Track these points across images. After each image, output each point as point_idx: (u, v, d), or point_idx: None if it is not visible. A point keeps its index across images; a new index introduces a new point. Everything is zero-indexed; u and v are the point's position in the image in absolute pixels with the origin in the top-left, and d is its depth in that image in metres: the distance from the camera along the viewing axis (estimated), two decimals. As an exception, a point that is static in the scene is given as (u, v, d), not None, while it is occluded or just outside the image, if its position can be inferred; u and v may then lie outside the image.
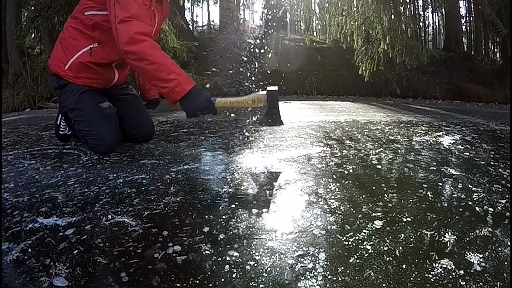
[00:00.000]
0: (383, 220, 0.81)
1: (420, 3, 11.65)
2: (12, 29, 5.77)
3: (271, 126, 1.23)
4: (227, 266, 0.64)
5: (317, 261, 0.65)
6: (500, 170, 1.21)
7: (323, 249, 0.69)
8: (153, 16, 1.44)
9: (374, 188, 1.02)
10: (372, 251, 0.68)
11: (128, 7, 1.22)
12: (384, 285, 0.59)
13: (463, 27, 10.90)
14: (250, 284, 0.59)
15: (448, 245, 0.70)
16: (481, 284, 0.59)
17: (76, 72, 1.41)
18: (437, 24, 13.16)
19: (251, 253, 0.68)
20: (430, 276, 0.61)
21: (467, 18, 11.18)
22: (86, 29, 1.38)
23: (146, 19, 1.28)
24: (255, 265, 0.64)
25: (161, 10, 1.50)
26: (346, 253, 0.68)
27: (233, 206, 0.89)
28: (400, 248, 0.69)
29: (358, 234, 0.75)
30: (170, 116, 2.86)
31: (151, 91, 1.74)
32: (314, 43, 8.08)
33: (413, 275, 0.61)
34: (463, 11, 11.03)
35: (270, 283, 0.59)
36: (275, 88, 1.22)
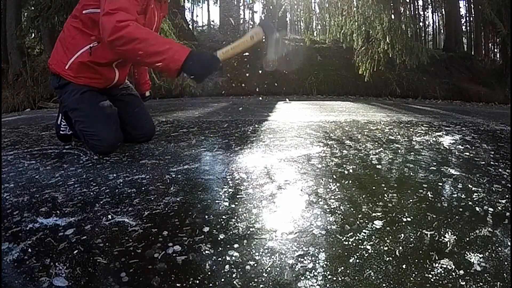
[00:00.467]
0: (383, 220, 0.81)
1: (420, 3, 11.66)
2: (12, 29, 5.77)
3: (277, 55, 1.20)
4: (227, 266, 0.64)
5: (317, 261, 0.65)
6: (500, 170, 1.21)
7: (323, 249, 0.69)
8: (152, 15, 1.44)
9: (374, 188, 1.02)
10: (372, 251, 0.68)
11: (116, 0, 1.19)
12: (384, 285, 0.59)
13: (463, 27, 10.90)
14: (250, 284, 0.59)
15: (448, 245, 0.70)
16: (481, 284, 0.59)
17: (76, 72, 1.41)
18: (437, 24, 13.18)
19: (251, 253, 0.68)
20: (430, 276, 0.61)
21: (467, 18, 11.19)
22: (85, 28, 1.38)
23: (134, 12, 1.24)
24: (255, 265, 0.64)
25: (160, 8, 1.50)
26: (346, 253, 0.68)
27: (233, 206, 0.89)
28: (400, 248, 0.69)
29: (358, 234, 0.75)
30: (170, 116, 2.86)
31: (145, 85, 1.78)
32: (315, 43, 8.08)
33: (413, 275, 0.61)
34: (463, 11, 11.04)
35: (270, 283, 0.59)
36: (265, 18, 1.23)
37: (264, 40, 1.20)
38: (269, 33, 1.18)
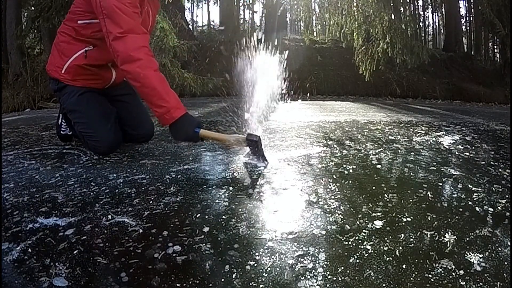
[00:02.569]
0: (383, 220, 0.81)
1: (420, 3, 11.67)
2: (12, 29, 5.77)
3: (254, 162, 1.29)
4: (227, 266, 0.64)
5: (317, 261, 0.65)
6: (500, 170, 1.21)
7: (323, 249, 0.69)
8: (147, 15, 1.44)
9: (374, 188, 1.02)
10: (372, 251, 0.68)
11: (120, 22, 1.21)
12: (384, 285, 0.59)
13: (463, 27, 10.90)
14: (250, 284, 0.59)
15: (448, 245, 0.70)
16: (481, 284, 0.59)
17: (73, 75, 1.42)
18: (437, 24, 13.17)
19: (251, 253, 0.68)
20: (430, 276, 0.61)
21: (467, 18, 11.19)
22: (79, 36, 1.39)
23: (140, 28, 1.28)
24: (255, 265, 0.64)
25: (153, 5, 1.50)
26: (346, 253, 0.68)
27: (233, 206, 0.89)
28: (400, 248, 0.69)
29: (358, 234, 0.75)
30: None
31: None
32: (315, 43, 8.08)
33: (413, 275, 0.61)
34: (463, 11, 11.04)
35: (270, 283, 0.59)
36: (256, 137, 1.24)
37: (244, 147, 1.32)
38: (250, 146, 1.28)
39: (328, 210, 0.87)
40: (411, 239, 0.73)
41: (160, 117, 1.26)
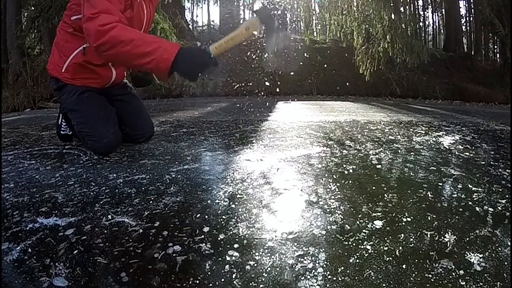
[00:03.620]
0: (383, 220, 0.81)
1: (420, 3, 11.66)
2: (12, 29, 5.78)
3: (279, 44, 1.11)
4: (227, 266, 0.64)
5: (317, 261, 0.65)
6: (500, 170, 1.21)
7: (323, 249, 0.69)
8: (141, 9, 1.41)
9: (374, 188, 1.02)
10: (372, 251, 0.68)
11: (95, 3, 1.13)
12: (384, 285, 0.59)
13: (463, 27, 10.90)
14: (250, 284, 0.59)
15: (448, 245, 0.70)
16: (481, 284, 0.59)
17: (73, 74, 1.42)
18: (437, 24, 13.17)
19: (251, 253, 0.68)
20: (430, 276, 0.61)
21: (467, 18, 11.19)
22: (76, 32, 1.38)
23: (116, 12, 1.17)
24: (255, 265, 0.64)
25: (150, 0, 1.48)
26: (346, 253, 0.68)
27: (233, 206, 0.89)
28: (400, 248, 0.69)
29: (358, 234, 0.75)
30: (170, 116, 2.86)
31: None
32: (315, 43, 8.08)
33: (413, 275, 0.61)
34: (463, 11, 11.04)
35: (270, 283, 0.59)
36: (262, 6, 1.11)
37: (261, 31, 1.12)
38: (267, 23, 1.09)
39: (328, 210, 0.87)
40: (411, 239, 0.73)
41: (159, 63, 1.09)
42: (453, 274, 0.61)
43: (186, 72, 1.12)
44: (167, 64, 1.09)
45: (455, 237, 0.74)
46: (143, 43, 1.10)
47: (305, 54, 7.35)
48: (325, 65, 7.39)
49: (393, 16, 5.99)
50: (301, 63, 6.99)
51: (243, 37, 1.15)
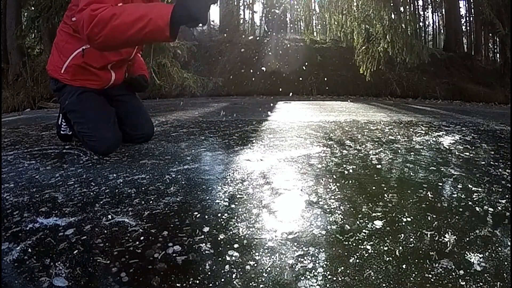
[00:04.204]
0: (383, 220, 0.81)
1: (420, 3, 11.66)
2: (12, 29, 5.78)
3: None
4: (227, 266, 0.64)
5: (317, 261, 0.65)
6: (500, 170, 1.21)
7: (323, 249, 0.69)
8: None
9: (374, 188, 1.02)
10: (372, 251, 0.68)
11: None
12: (384, 285, 0.59)
13: (463, 27, 10.90)
14: (250, 284, 0.59)
15: (448, 245, 0.70)
16: (481, 284, 0.59)
17: (73, 75, 1.42)
18: (437, 24, 13.16)
19: (251, 253, 0.68)
20: (430, 276, 0.61)
21: (467, 18, 11.18)
22: (76, 33, 1.38)
23: (110, 1, 1.09)
24: (255, 265, 0.64)
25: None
26: (346, 253, 0.68)
27: (233, 206, 0.89)
28: (400, 248, 0.69)
29: (358, 234, 0.75)
30: (170, 116, 2.86)
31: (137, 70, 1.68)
32: (315, 43, 8.08)
33: (413, 275, 0.61)
34: (463, 11, 11.03)
35: (270, 283, 0.59)
36: None
37: None
38: None
39: (328, 210, 0.87)
40: (411, 239, 0.73)
41: (156, 21, 1.00)
42: (453, 274, 0.61)
43: (192, 14, 1.00)
44: (166, 18, 0.99)
45: (455, 237, 0.74)
46: (135, 9, 1.03)
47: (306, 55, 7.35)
48: (326, 65, 7.39)
49: (393, 16, 5.99)
50: (301, 63, 6.99)
51: None
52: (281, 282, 0.59)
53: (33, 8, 6.04)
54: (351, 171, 1.18)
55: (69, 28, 1.40)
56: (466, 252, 0.68)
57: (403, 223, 0.80)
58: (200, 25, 1.06)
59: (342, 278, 0.60)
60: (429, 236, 0.74)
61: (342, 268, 0.63)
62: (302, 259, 0.66)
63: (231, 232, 0.76)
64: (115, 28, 1.02)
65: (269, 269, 0.63)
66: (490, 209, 0.88)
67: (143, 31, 1.02)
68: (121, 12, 1.02)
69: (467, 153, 1.46)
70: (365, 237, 0.74)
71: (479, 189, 1.01)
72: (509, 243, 0.71)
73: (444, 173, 1.17)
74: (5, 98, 5.44)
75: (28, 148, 1.60)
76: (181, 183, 1.06)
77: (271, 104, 4.26)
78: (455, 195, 0.97)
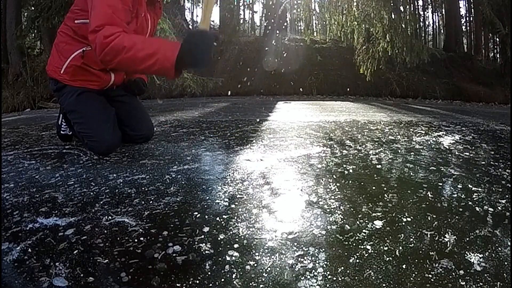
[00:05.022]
0: (383, 220, 0.81)
1: (420, 3, 11.66)
2: (12, 29, 5.78)
3: None
4: (227, 266, 0.64)
5: (317, 261, 0.65)
6: (500, 170, 1.21)
7: (323, 249, 0.69)
8: (145, 22, 1.43)
9: (374, 188, 1.02)
10: (372, 251, 0.68)
11: (100, 14, 1.15)
12: (384, 285, 0.59)
13: (463, 27, 10.89)
14: (250, 284, 0.59)
15: (448, 245, 0.70)
16: (481, 284, 0.59)
17: (72, 76, 1.42)
18: (437, 24, 13.16)
19: (251, 253, 0.68)
20: (430, 276, 0.61)
21: (467, 18, 11.18)
22: (77, 36, 1.39)
23: (121, 24, 1.18)
24: (255, 265, 0.64)
25: (154, 13, 1.49)
26: (346, 253, 0.68)
27: (233, 206, 0.89)
28: (400, 248, 0.69)
29: (358, 234, 0.75)
30: (170, 116, 2.86)
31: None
32: (315, 43, 8.08)
33: (413, 275, 0.61)
34: (463, 11, 11.04)
35: (270, 283, 0.59)
36: None
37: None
38: None
39: (328, 210, 0.87)
40: (411, 239, 0.73)
41: (162, 62, 1.09)
42: (453, 274, 0.61)
43: (195, 61, 1.10)
44: (171, 60, 1.08)
45: (455, 237, 0.74)
46: (145, 46, 1.11)
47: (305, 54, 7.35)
48: (326, 65, 7.39)
49: (393, 15, 5.99)
50: (301, 63, 6.99)
51: None
52: (281, 282, 0.59)
53: (33, 8, 6.04)
54: (351, 171, 1.18)
55: (70, 30, 1.40)
56: (466, 252, 0.68)
57: (403, 223, 0.80)
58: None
59: (342, 278, 0.60)
60: (429, 236, 0.74)
61: (342, 268, 0.63)
62: (302, 259, 0.66)
63: (231, 232, 0.76)
64: (126, 60, 1.12)
65: (269, 269, 0.63)
66: (490, 209, 0.88)
67: (151, 68, 1.12)
68: (131, 46, 1.10)
69: (467, 153, 1.46)
70: (365, 237, 0.74)
71: (479, 189, 1.01)
72: (509, 243, 0.71)
73: (444, 173, 1.17)
74: (5, 98, 5.44)
75: (28, 148, 1.60)
76: (181, 183, 1.06)
77: (271, 104, 4.26)
78: (455, 195, 0.97)
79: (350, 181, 1.07)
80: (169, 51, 1.09)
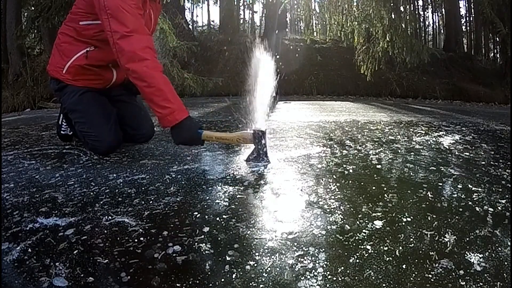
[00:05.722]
0: (383, 220, 0.81)
1: (420, 3, 11.66)
2: (12, 29, 5.78)
3: (255, 162, 1.26)
4: (227, 266, 0.64)
5: (317, 261, 0.65)
6: (500, 170, 1.21)
7: (323, 249, 0.69)
8: (149, 18, 1.44)
9: (374, 188, 1.02)
10: (372, 251, 0.68)
11: (125, 21, 1.21)
12: (384, 285, 0.59)
13: (463, 27, 10.89)
14: (250, 284, 0.59)
15: (448, 245, 0.70)
16: (481, 284, 0.59)
17: (74, 75, 1.42)
18: (437, 24, 13.16)
19: (251, 253, 0.68)
20: (430, 276, 0.61)
21: (467, 18, 11.18)
22: (80, 37, 1.39)
23: (144, 29, 1.27)
24: (255, 265, 0.64)
25: (155, 8, 1.50)
26: (346, 253, 0.68)
27: (233, 206, 0.89)
28: (400, 248, 0.69)
29: (358, 234, 0.75)
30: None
31: None
32: (315, 43, 8.08)
33: (413, 275, 0.61)
34: (463, 11, 11.04)
35: (270, 283, 0.59)
36: (262, 129, 1.23)
37: (250, 144, 1.29)
38: (258, 147, 1.26)
39: (328, 210, 0.87)
40: (411, 239, 0.73)
41: (162, 118, 1.23)
42: (453, 274, 0.61)
43: (176, 139, 1.28)
44: (167, 124, 1.24)
45: (455, 237, 0.74)
46: (161, 95, 1.22)
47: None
48: (326, 65, 7.39)
49: (393, 15, 5.99)
50: (301, 63, 6.98)
51: (232, 143, 1.35)
52: (281, 282, 0.59)
53: (33, 8, 6.05)
54: (351, 171, 1.18)
55: (73, 31, 1.40)
56: (466, 252, 0.68)
57: (403, 223, 0.80)
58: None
59: (342, 278, 0.60)
60: (429, 236, 0.74)
61: (342, 268, 0.63)
62: (302, 259, 0.66)
63: (231, 232, 0.76)
64: (141, 88, 1.24)
65: (269, 269, 0.63)
66: (490, 209, 0.88)
67: (152, 107, 1.25)
68: (152, 86, 1.22)
69: (467, 153, 1.46)
70: (365, 237, 0.74)
71: (479, 189, 1.01)
72: (509, 243, 0.71)
73: (444, 173, 1.17)
74: (5, 98, 5.44)
75: (28, 148, 1.60)
76: (181, 183, 1.06)
77: (271, 104, 4.25)
78: (455, 195, 0.97)
79: (350, 181, 1.07)
80: (172, 116, 1.22)
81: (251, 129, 1.25)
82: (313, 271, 0.62)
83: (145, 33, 1.27)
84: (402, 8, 6.74)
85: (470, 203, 0.91)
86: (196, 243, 0.71)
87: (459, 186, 1.04)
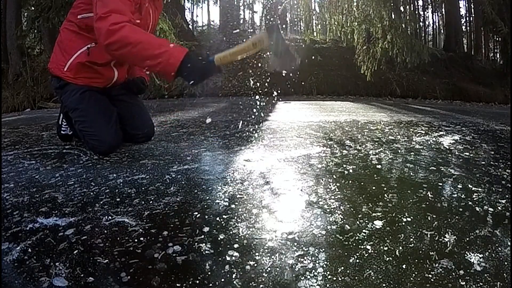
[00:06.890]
0: (383, 220, 0.81)
1: (420, 3, 11.65)
2: (12, 29, 5.78)
3: (284, 69, 1.10)
4: (227, 266, 0.64)
5: (317, 261, 0.65)
6: (500, 170, 1.21)
7: (323, 249, 0.69)
8: (147, 14, 1.43)
9: (374, 188, 1.02)
10: (372, 251, 0.68)
11: (107, 2, 1.18)
12: (384, 285, 0.59)
13: (463, 27, 10.89)
14: (250, 284, 0.59)
15: (448, 245, 0.70)
16: (481, 284, 0.59)
17: (75, 73, 1.42)
18: (437, 24, 13.15)
19: (251, 253, 0.68)
20: (430, 276, 0.61)
21: (467, 18, 11.18)
22: (82, 31, 1.39)
23: (127, 13, 1.21)
24: (255, 265, 0.64)
25: (155, 6, 1.50)
26: (346, 253, 0.68)
27: (233, 206, 0.89)
28: (400, 248, 0.69)
29: (358, 234, 0.75)
30: (170, 116, 2.86)
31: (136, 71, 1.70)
32: (315, 43, 8.08)
33: (413, 275, 0.61)
34: (463, 11, 11.03)
35: (270, 283, 0.59)
36: (274, 23, 1.16)
37: (268, 46, 1.14)
38: (277, 43, 1.10)
39: (328, 210, 0.87)
40: (411, 239, 0.73)
41: (166, 66, 1.13)
42: (453, 274, 0.61)
43: (190, 78, 1.17)
44: (173, 68, 1.14)
45: (455, 237, 0.74)
46: (151, 46, 1.14)
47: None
48: (325, 65, 7.39)
49: (393, 15, 5.99)
50: (301, 63, 6.97)
51: (250, 52, 1.17)
52: (281, 282, 0.59)
53: (33, 8, 6.05)
54: (351, 171, 1.18)
55: (74, 26, 1.40)
56: (466, 252, 0.68)
57: (403, 223, 0.80)
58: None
59: (342, 278, 0.60)
60: (429, 236, 0.74)
61: (342, 268, 0.63)
62: (302, 259, 0.66)
63: (231, 232, 0.76)
64: (129, 55, 1.17)
65: (269, 269, 0.63)
66: (490, 209, 0.88)
67: (152, 67, 1.18)
68: (137, 43, 1.14)
69: (467, 153, 1.46)
70: (365, 237, 0.74)
71: (479, 189, 1.01)
72: (509, 243, 0.71)
73: (444, 173, 1.17)
74: (5, 98, 5.44)
75: (28, 148, 1.60)
76: (181, 183, 1.06)
77: (271, 104, 4.26)
78: (455, 195, 0.97)
79: (350, 181, 1.07)
80: (173, 58, 1.13)
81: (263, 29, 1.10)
82: (313, 271, 0.62)
83: (127, 15, 1.20)
84: (402, 8, 6.74)
85: (470, 203, 0.91)
86: (196, 243, 0.71)
87: (459, 186, 1.04)
